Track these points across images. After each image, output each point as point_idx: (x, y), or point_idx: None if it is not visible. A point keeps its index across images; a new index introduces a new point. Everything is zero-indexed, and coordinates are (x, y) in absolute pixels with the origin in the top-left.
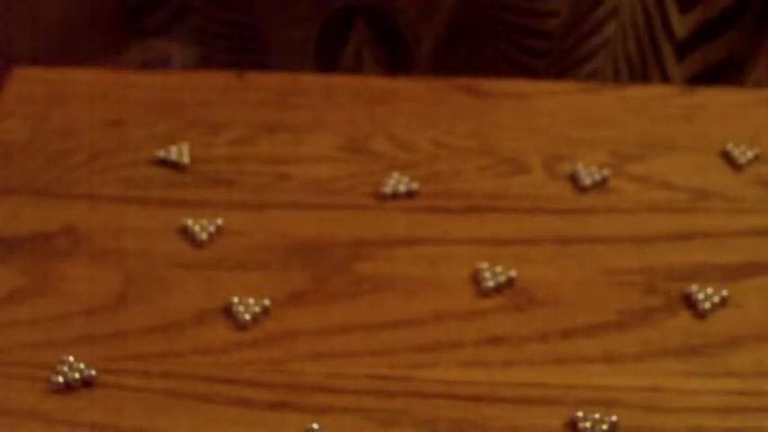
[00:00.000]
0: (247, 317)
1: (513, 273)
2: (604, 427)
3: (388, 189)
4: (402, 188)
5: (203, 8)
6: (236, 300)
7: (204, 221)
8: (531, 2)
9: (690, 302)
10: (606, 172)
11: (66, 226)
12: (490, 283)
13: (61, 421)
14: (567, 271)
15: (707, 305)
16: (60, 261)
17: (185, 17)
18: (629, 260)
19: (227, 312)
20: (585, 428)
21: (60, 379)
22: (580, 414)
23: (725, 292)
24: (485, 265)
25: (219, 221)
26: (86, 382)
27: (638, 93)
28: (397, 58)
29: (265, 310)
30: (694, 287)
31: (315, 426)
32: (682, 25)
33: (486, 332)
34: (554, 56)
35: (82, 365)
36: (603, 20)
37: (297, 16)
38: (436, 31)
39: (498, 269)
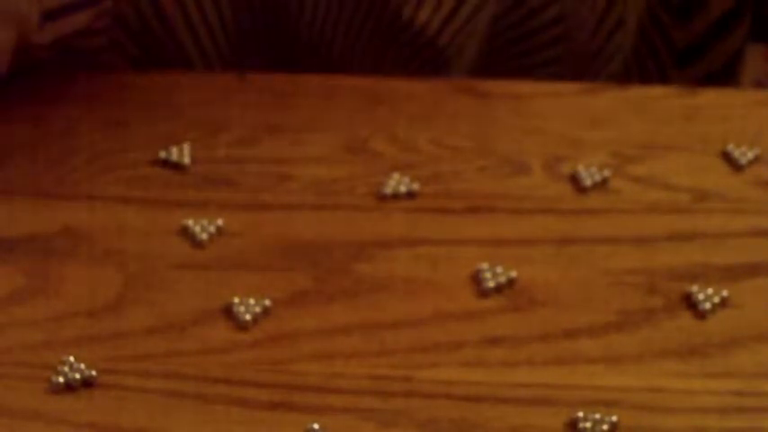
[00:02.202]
0: (248, 317)
1: (513, 273)
2: (605, 427)
3: (388, 189)
4: (402, 189)
5: None
6: (236, 300)
7: (205, 222)
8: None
9: (690, 303)
10: (607, 172)
11: (67, 227)
12: (490, 284)
13: (61, 422)
14: (567, 271)
15: (707, 305)
16: (60, 262)
17: None
18: (630, 261)
19: (228, 313)
20: (586, 429)
21: (61, 379)
22: (580, 414)
23: (725, 293)
24: (485, 265)
25: (220, 222)
26: (87, 383)
27: (638, 93)
28: None
29: (266, 311)
30: (694, 287)
31: (315, 426)
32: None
33: (486, 332)
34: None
35: (82, 366)
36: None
37: None
38: None
39: (499, 269)
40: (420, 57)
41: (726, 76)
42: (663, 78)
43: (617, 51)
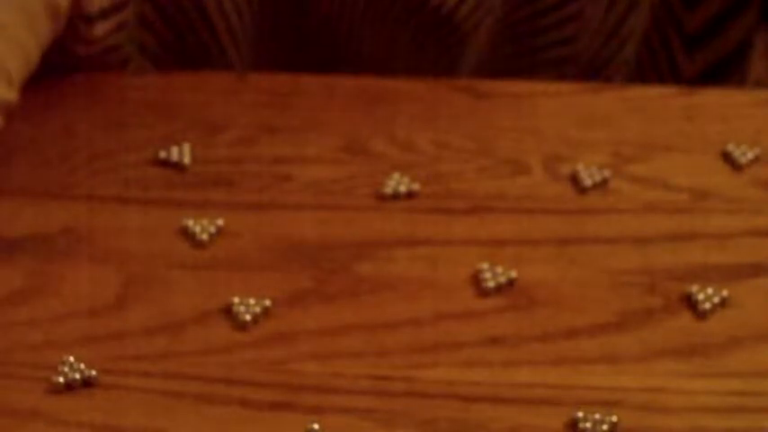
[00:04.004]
0: (248, 317)
1: (513, 273)
2: (605, 427)
3: (388, 190)
4: (402, 189)
5: None
6: (236, 300)
7: (205, 222)
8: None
9: (690, 303)
10: (606, 173)
11: (67, 227)
12: (491, 284)
13: (61, 422)
14: (567, 271)
15: (707, 305)
16: (60, 262)
17: None
18: (630, 261)
19: (228, 313)
20: (586, 429)
21: (61, 379)
22: (580, 414)
23: (725, 293)
24: (485, 265)
25: (220, 222)
26: (87, 383)
27: (638, 93)
28: None
29: (266, 311)
30: (694, 287)
31: (315, 426)
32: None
33: (486, 332)
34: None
35: (82, 366)
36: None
37: None
38: None
39: (499, 270)
40: (436, 33)
41: (735, 63)
42: (672, 65)
43: (630, 34)
